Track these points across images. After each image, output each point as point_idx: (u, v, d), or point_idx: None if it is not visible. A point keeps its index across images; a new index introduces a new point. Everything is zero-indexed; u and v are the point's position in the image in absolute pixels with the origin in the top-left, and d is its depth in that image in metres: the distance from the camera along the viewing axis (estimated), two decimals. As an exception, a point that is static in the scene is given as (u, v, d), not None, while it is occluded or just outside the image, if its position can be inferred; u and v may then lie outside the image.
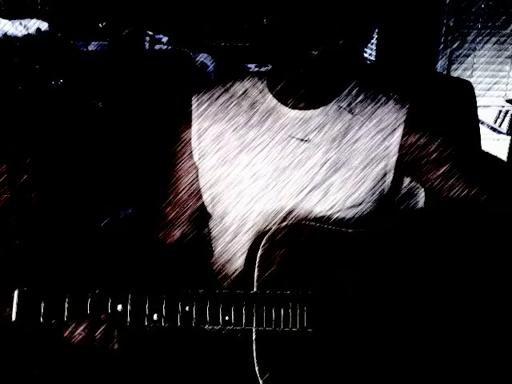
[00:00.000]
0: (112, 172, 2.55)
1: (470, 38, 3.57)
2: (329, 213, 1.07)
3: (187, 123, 1.13)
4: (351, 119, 1.09)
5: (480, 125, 1.74)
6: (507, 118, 4.16)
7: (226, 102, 1.12)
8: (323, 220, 1.06)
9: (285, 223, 0.97)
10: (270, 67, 1.14)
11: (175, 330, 0.92)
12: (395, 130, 1.08)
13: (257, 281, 0.94)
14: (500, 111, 4.18)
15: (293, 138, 1.08)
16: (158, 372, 1.09)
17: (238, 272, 1.10)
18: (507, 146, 3.50)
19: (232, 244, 1.12)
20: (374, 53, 3.72)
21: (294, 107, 1.08)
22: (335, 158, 1.07)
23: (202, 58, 3.50)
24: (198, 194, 1.15)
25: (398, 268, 0.97)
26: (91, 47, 3.41)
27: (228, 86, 1.14)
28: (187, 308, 0.90)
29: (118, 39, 3.38)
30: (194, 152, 1.13)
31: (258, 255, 0.95)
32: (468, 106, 1.68)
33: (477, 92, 1.72)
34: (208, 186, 1.13)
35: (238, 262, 1.09)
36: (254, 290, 0.94)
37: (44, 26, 3.29)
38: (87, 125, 2.57)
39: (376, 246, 0.99)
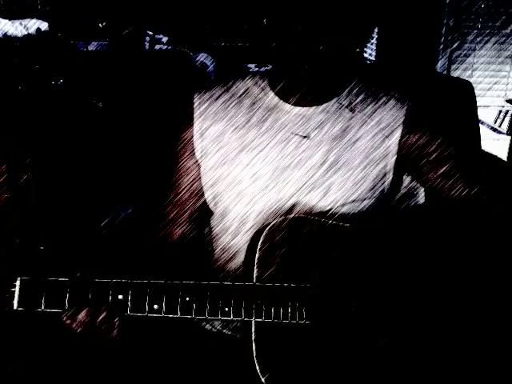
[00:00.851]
0: (112, 172, 2.56)
1: (469, 38, 3.57)
2: (328, 210, 1.07)
3: (189, 122, 1.13)
4: (352, 118, 1.09)
5: (480, 125, 1.74)
6: (507, 118, 4.16)
7: (228, 101, 1.12)
8: (322, 215, 1.06)
9: (284, 217, 0.98)
10: (270, 67, 1.15)
11: (176, 323, 0.93)
12: (395, 129, 1.08)
13: (256, 273, 0.94)
14: (500, 111, 4.18)
15: (294, 135, 1.08)
16: (159, 372, 1.09)
17: (238, 271, 1.11)
18: (507, 146, 3.50)
19: (233, 243, 1.12)
20: (374, 53, 3.72)
21: (295, 104, 1.09)
22: (335, 157, 1.08)
23: (202, 57, 3.50)
24: (199, 192, 1.15)
25: (397, 264, 0.97)
26: (91, 47, 3.41)
27: (229, 84, 1.14)
28: (187, 299, 0.91)
29: (118, 39, 3.38)
30: (196, 150, 1.13)
31: (258, 248, 0.95)
32: (468, 106, 1.68)
33: (477, 92, 1.72)
34: (209, 186, 1.13)
35: (239, 261, 1.10)
36: (254, 282, 0.94)
37: (44, 26, 3.29)
38: (87, 125, 2.57)
39: (376, 242, 0.99)
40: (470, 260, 0.98)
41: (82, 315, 0.89)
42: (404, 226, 1.03)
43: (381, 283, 0.96)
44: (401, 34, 3.28)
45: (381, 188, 1.10)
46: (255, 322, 0.92)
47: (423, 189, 1.17)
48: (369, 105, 1.10)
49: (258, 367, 0.91)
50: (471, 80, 1.75)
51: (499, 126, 4.21)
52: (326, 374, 0.93)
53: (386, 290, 0.96)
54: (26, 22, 3.28)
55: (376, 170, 1.09)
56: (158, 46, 3.75)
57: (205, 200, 1.15)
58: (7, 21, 3.24)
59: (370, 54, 3.82)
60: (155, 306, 0.90)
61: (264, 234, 0.96)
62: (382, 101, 1.10)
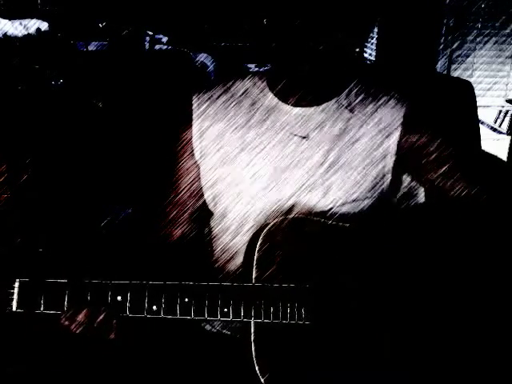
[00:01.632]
0: (112, 172, 2.56)
1: (470, 38, 3.57)
2: (328, 210, 1.07)
3: (188, 123, 1.13)
4: (351, 118, 1.09)
5: (480, 125, 1.74)
6: (507, 118, 4.16)
7: (227, 101, 1.12)
8: (321, 215, 1.06)
9: (282, 217, 0.98)
10: (269, 67, 1.15)
11: (176, 324, 0.93)
12: (395, 129, 1.08)
13: (255, 274, 0.94)
14: (500, 111, 4.18)
15: (294, 135, 1.08)
16: (159, 372, 1.09)
17: (238, 271, 1.11)
18: (507, 146, 3.50)
19: (233, 243, 1.12)
20: (373, 53, 3.72)
21: (294, 105, 1.09)
22: (335, 157, 1.08)
23: (202, 57, 3.50)
24: (199, 193, 1.15)
25: (397, 263, 0.97)
26: (91, 47, 3.41)
27: (228, 85, 1.14)
28: (186, 300, 0.91)
29: (118, 39, 3.38)
30: (195, 151, 1.13)
31: (257, 248, 0.95)
32: (468, 106, 1.68)
33: (477, 92, 1.72)
34: (208, 186, 1.13)
35: (239, 261, 1.09)
36: (253, 283, 0.94)
37: (44, 26, 3.29)
38: (87, 125, 2.57)
39: (375, 242, 0.99)
40: (470, 260, 0.98)
41: (80, 316, 0.88)
42: (404, 225, 1.03)
43: (380, 283, 0.96)
44: (401, 34, 3.28)
45: (380, 188, 1.10)
46: (254, 322, 0.92)
47: (423, 189, 1.17)
48: (368, 105, 1.10)
49: (257, 368, 0.91)
50: (471, 80, 1.75)
51: (499, 126, 4.21)
52: (326, 375, 0.93)
53: (386, 289, 0.96)
54: (26, 21, 3.28)
55: (375, 170, 1.09)
56: (158, 46, 3.75)
57: (204, 201, 1.15)
58: (7, 21, 3.25)
59: (370, 54, 3.82)
60: (154, 307, 0.90)
61: (263, 234, 0.96)
62: (381, 101, 1.10)
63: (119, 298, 0.90)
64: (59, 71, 2.64)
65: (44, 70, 2.59)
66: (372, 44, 3.73)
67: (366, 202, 1.09)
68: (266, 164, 1.09)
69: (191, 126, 1.12)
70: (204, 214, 1.18)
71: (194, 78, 3.09)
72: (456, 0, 3.45)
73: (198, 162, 1.13)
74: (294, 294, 0.93)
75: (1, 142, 2.20)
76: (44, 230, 2.15)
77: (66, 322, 0.89)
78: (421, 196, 1.19)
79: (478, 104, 1.71)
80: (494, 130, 4.19)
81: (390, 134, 1.08)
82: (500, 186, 1.09)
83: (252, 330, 0.92)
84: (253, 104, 1.11)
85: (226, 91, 1.13)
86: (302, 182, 1.07)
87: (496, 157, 1.79)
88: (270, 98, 1.10)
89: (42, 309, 0.89)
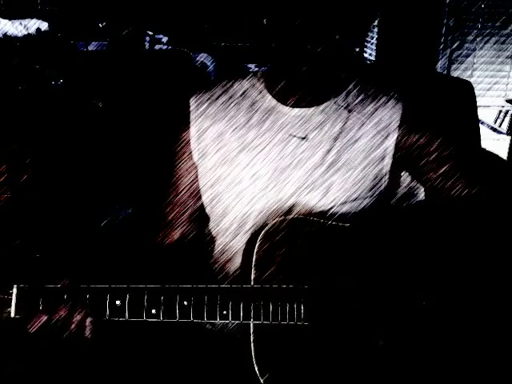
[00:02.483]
0: (112, 172, 2.55)
1: (469, 38, 3.57)
2: (328, 210, 1.07)
3: (186, 124, 1.13)
4: (349, 118, 1.09)
5: (480, 125, 1.74)
6: (507, 118, 4.16)
7: (226, 102, 1.12)
8: (321, 215, 1.06)
9: (281, 218, 0.97)
10: (267, 67, 1.15)
11: (176, 326, 0.93)
12: (393, 129, 1.08)
13: (254, 275, 0.94)
14: (500, 111, 4.18)
15: (293, 136, 1.08)
16: (160, 372, 1.09)
17: (237, 272, 1.11)
18: (507, 146, 3.50)
19: (232, 244, 1.12)
20: (373, 53, 3.72)
21: (293, 106, 1.09)
22: (334, 157, 1.08)
23: (202, 58, 3.50)
24: (198, 193, 1.15)
25: (395, 263, 0.97)
26: (91, 47, 3.41)
27: (227, 86, 1.14)
28: (185, 302, 0.91)
29: (118, 39, 3.38)
30: (193, 152, 1.13)
31: (255, 249, 0.95)
32: (468, 106, 1.68)
33: (477, 92, 1.72)
34: (208, 187, 1.13)
35: (238, 262, 1.09)
36: (252, 284, 0.94)
37: (44, 26, 3.30)
38: (87, 125, 2.57)
39: (374, 241, 0.99)
40: (470, 260, 0.98)
41: (56, 316, 0.87)
42: (403, 225, 1.02)
43: (379, 283, 0.96)
44: (401, 34, 3.28)
45: (379, 188, 1.10)
46: (254, 323, 0.92)
47: (423, 189, 1.17)
48: (367, 105, 1.10)
49: (257, 368, 0.91)
50: (471, 80, 1.75)
51: (499, 126, 4.21)
52: (325, 375, 0.93)
53: (385, 290, 0.96)
54: (26, 22, 3.29)
55: (375, 170, 1.09)
56: (158, 46, 3.75)
57: (202, 203, 1.15)
58: (7, 21, 3.25)
59: (370, 54, 3.83)
60: (153, 311, 0.90)
61: (261, 234, 0.96)
62: (380, 101, 1.10)
63: (118, 302, 0.90)
64: (59, 71, 2.64)
65: (44, 69, 2.59)
66: (372, 44, 3.73)
67: (364, 201, 1.09)
68: (265, 165, 1.09)
69: (189, 127, 1.12)
70: (203, 215, 1.18)
71: (194, 78, 3.09)
72: (456, 0, 3.45)
73: (197, 164, 1.13)
74: (293, 295, 0.93)
75: (1, 142, 2.20)
76: (44, 230, 2.15)
77: (65, 328, 0.88)
78: (421, 196, 1.19)
79: (478, 104, 1.71)
80: (494, 130, 4.20)
81: (389, 134, 1.08)
82: (500, 186, 1.09)
83: (251, 331, 0.92)
84: (251, 105, 1.11)
85: (224, 92, 1.13)
86: (301, 182, 1.07)
87: (497, 155, 1.79)
88: (269, 100, 1.10)
89: (40, 315, 0.88)
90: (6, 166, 2.17)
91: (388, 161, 1.09)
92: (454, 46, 3.56)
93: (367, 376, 0.94)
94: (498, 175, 1.13)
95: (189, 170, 1.14)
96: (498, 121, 4.23)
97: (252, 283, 0.94)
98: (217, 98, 1.12)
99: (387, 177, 1.10)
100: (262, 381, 0.90)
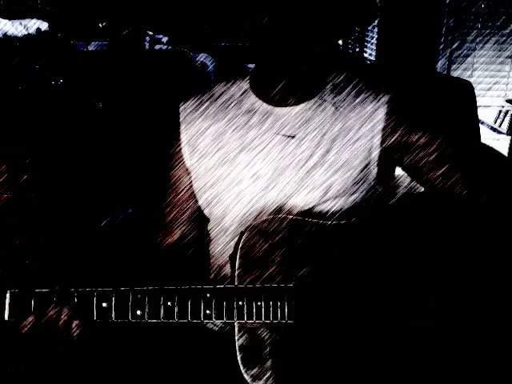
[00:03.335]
0: (112, 172, 2.55)
1: (469, 38, 3.57)
2: (315, 205, 1.07)
3: (176, 131, 1.16)
4: (335, 113, 1.09)
5: (480, 125, 1.74)
6: (507, 118, 4.16)
7: (212, 106, 1.14)
8: (310, 212, 1.06)
9: (265, 217, 0.98)
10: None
11: (176, 326, 0.94)
12: (377, 121, 1.08)
13: (238, 274, 0.95)
14: (500, 111, 4.18)
15: (279, 135, 1.09)
16: (160, 371, 1.09)
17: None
18: (507, 146, 3.50)
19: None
20: (373, 53, 3.72)
21: (278, 105, 1.10)
22: (322, 153, 1.08)
23: (202, 57, 3.50)
24: (193, 196, 1.17)
25: (383, 260, 0.97)
26: (91, 47, 3.41)
27: (213, 90, 1.16)
28: (169, 303, 0.93)
29: (118, 39, 3.38)
30: (185, 158, 1.15)
31: (239, 249, 0.96)
32: (468, 106, 1.68)
33: (477, 92, 1.72)
34: (203, 190, 1.14)
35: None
36: (236, 280, 0.95)
37: (44, 26, 3.30)
38: (87, 125, 2.57)
39: (361, 238, 0.99)
40: (469, 259, 0.97)
41: (46, 317, 0.91)
42: (390, 218, 1.02)
43: (369, 282, 0.96)
44: (401, 34, 3.28)
45: (367, 181, 1.10)
46: (238, 322, 0.93)
47: (423, 189, 1.17)
48: (352, 100, 1.10)
49: (241, 367, 0.92)
50: (471, 80, 1.75)
51: (499, 126, 4.21)
52: (314, 374, 0.93)
53: (374, 286, 0.96)
54: (26, 21, 3.29)
55: (362, 163, 1.09)
56: (158, 46, 3.75)
57: (198, 206, 1.16)
58: (7, 21, 3.25)
59: (370, 54, 3.83)
60: (138, 312, 0.93)
61: (245, 235, 0.97)
62: (364, 95, 1.10)
63: (104, 304, 0.93)
64: (59, 71, 2.64)
65: (44, 69, 2.59)
66: (372, 44, 3.73)
67: (354, 196, 1.09)
68: (256, 165, 1.09)
69: (179, 133, 1.15)
70: (203, 215, 1.19)
71: (194, 78, 3.09)
72: (456, 0, 3.45)
73: (189, 169, 1.15)
74: (278, 293, 0.94)
75: (1, 142, 2.20)
76: (43, 230, 2.15)
77: (31, 323, 0.91)
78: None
79: (478, 104, 1.71)
80: (494, 130, 4.20)
81: (374, 126, 1.09)
82: (500, 186, 1.09)
83: (236, 330, 0.93)
84: (237, 106, 1.12)
85: (210, 96, 1.15)
86: (289, 180, 1.08)
87: (498, 152, 1.79)
88: (253, 99, 1.12)
89: (32, 317, 0.92)
90: (6, 166, 2.17)
91: (374, 153, 1.09)
92: (454, 46, 3.56)
93: (357, 375, 0.93)
94: (499, 174, 1.13)
95: (182, 175, 1.17)
96: (498, 121, 4.23)
97: (236, 279, 0.95)
98: (202, 104, 1.14)
99: (375, 169, 1.10)
100: (247, 378, 0.91)
